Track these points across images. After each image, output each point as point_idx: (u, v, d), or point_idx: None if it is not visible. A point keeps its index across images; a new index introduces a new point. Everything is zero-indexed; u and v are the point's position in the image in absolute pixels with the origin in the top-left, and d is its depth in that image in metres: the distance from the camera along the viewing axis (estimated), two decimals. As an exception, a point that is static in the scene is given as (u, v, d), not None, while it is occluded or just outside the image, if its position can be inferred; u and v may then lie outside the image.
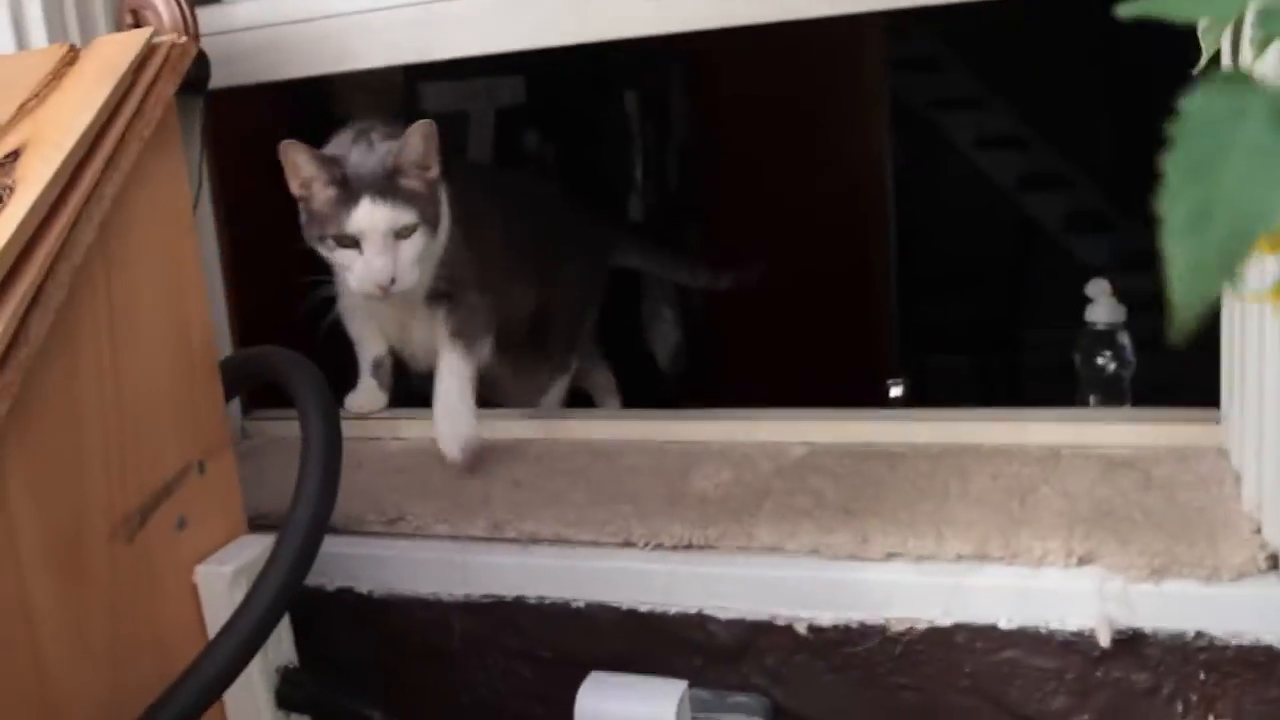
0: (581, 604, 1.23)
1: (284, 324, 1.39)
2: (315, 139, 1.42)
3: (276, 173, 1.38)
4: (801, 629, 1.16)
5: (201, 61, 1.36)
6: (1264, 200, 0.38)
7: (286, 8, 1.45)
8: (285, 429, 1.63)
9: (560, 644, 1.25)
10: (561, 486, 1.35)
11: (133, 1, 1.35)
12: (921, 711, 1.14)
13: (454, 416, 1.46)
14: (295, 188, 1.40)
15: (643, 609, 1.21)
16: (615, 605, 1.22)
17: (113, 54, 1.03)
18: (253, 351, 1.16)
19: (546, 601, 1.25)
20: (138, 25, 1.34)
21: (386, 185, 1.37)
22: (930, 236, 4.50)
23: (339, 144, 1.46)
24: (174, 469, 1.05)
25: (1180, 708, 1.06)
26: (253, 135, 2.01)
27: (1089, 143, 5.03)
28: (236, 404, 1.64)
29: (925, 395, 3.46)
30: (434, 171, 1.41)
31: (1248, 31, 0.64)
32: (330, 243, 1.39)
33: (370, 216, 1.36)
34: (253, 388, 1.32)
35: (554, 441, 1.52)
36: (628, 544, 1.23)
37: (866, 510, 1.19)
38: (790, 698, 1.18)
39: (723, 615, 1.18)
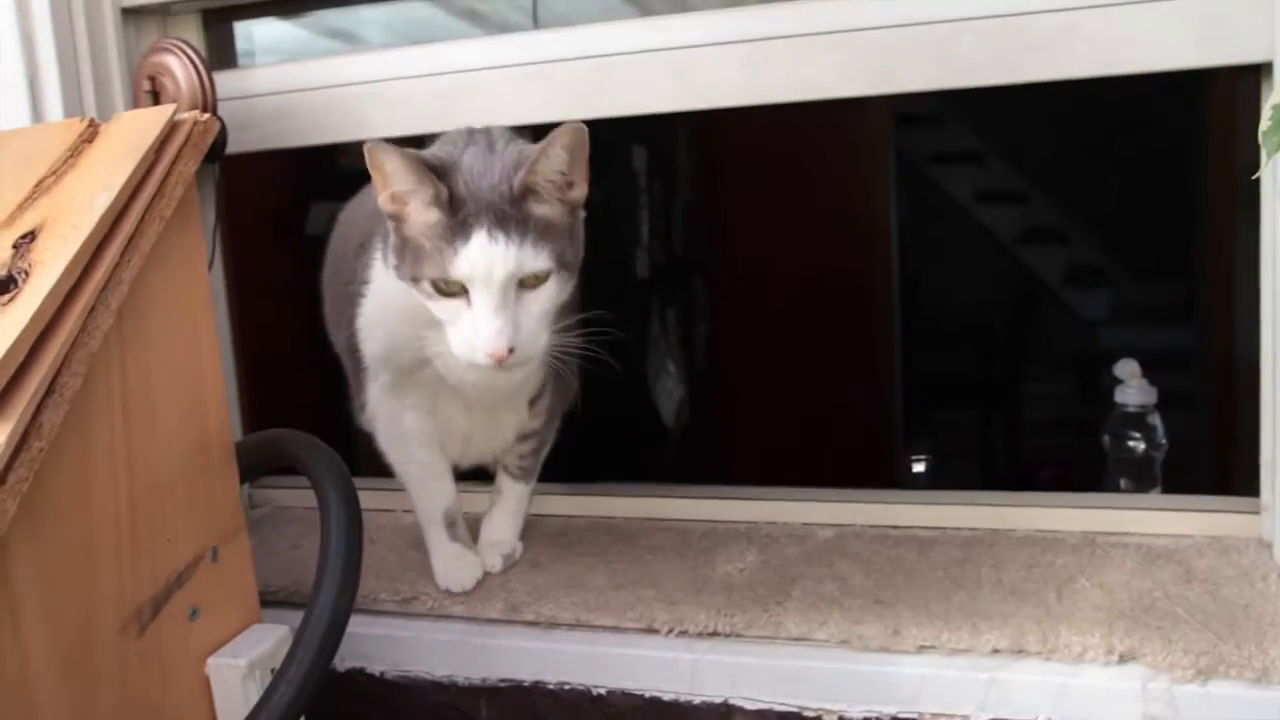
0: (603, 691, 1.20)
1: (293, 398, 1.36)
2: (323, 192, 1.38)
3: (283, 233, 1.35)
4: (832, 722, 1.13)
5: (220, 131, 1.33)
6: None
7: (304, 75, 1.44)
8: (293, 498, 1.60)
9: (581, 733, 1.21)
10: (580, 568, 1.32)
11: (150, 68, 1.32)
12: (956, 811, 1.10)
13: (504, 532, 1.36)
14: (385, 203, 1.04)
15: (666, 698, 1.18)
16: (638, 693, 1.18)
17: (134, 131, 1.00)
18: (269, 435, 1.13)
19: (566, 687, 1.21)
20: (155, 92, 1.33)
21: (512, 212, 1.02)
22: (932, 290, 4.50)
23: (449, 143, 1.10)
24: (187, 558, 1.01)
25: (1227, 815, 1.03)
26: (259, 192, 2.00)
27: (1088, 198, 5.05)
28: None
29: (927, 448, 3.44)
30: (579, 193, 1.06)
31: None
32: (428, 287, 1.04)
33: (486, 257, 1.00)
34: (268, 471, 1.28)
35: (570, 518, 1.49)
36: (651, 630, 1.20)
37: (898, 599, 1.16)
38: (819, 795, 1.14)
39: (750, 706, 1.15)
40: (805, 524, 1.36)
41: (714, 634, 1.18)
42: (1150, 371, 1.68)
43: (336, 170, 2.35)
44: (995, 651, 1.09)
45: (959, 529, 1.32)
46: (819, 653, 1.14)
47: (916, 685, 1.10)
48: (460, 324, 1.03)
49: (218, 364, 1.07)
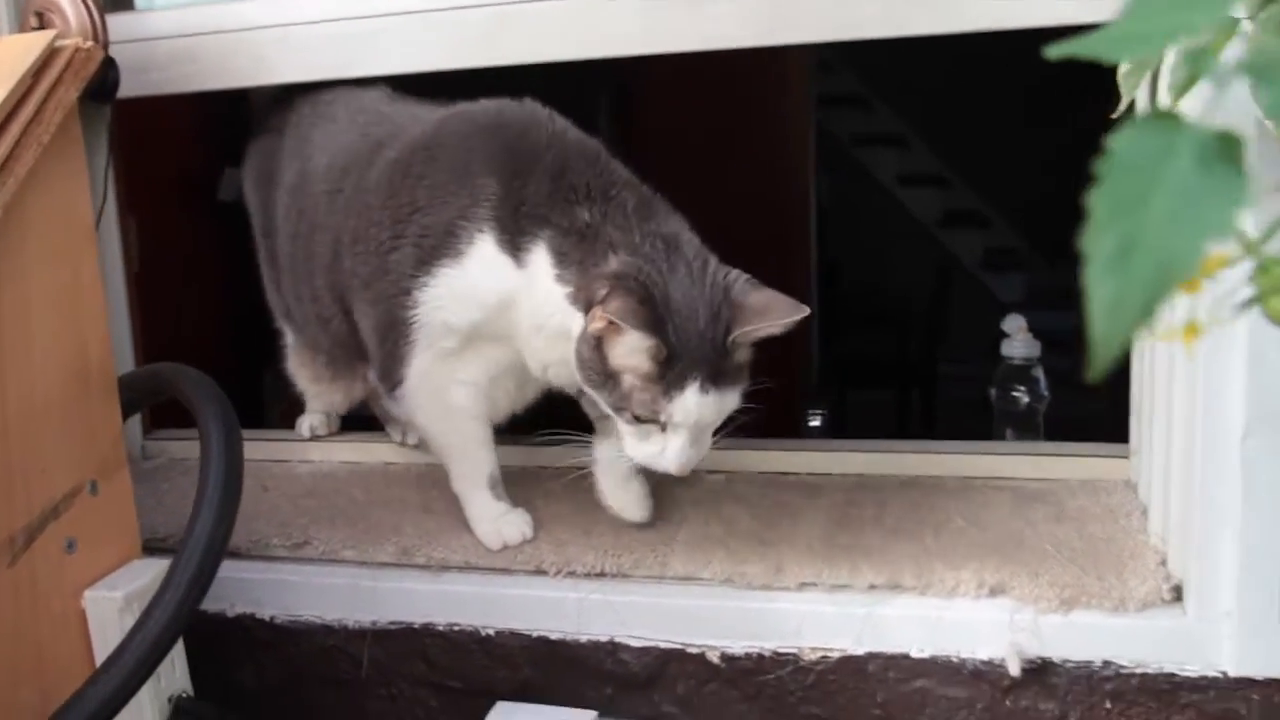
0: (491, 631, 1.21)
1: (194, 341, 1.35)
2: (229, 146, 1.37)
3: (193, 184, 1.34)
4: (714, 658, 1.15)
5: (110, 68, 1.31)
6: (1188, 241, 0.37)
7: (205, 18, 1.42)
8: (188, 449, 1.58)
9: (469, 673, 1.22)
10: (473, 513, 1.32)
11: (39, 3, 1.30)
12: (833, 742, 1.13)
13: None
14: (595, 325, 1.04)
15: (554, 637, 1.19)
16: (526, 633, 1.20)
17: (11, 55, 0.99)
18: (152, 368, 1.12)
19: (455, 629, 1.22)
20: (43, 29, 1.30)
21: (721, 364, 1.04)
22: (852, 271, 4.56)
23: (641, 258, 1.06)
24: (64, 489, 1.00)
25: (1086, 737, 1.07)
26: (164, 142, 1.97)
27: (1008, 182, 5.15)
28: (136, 423, 1.58)
29: (844, 427, 3.49)
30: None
31: (1168, 74, 0.64)
32: (625, 414, 1.07)
33: (697, 410, 1.04)
34: (153, 405, 1.27)
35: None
36: (539, 572, 1.21)
37: (781, 540, 1.19)
38: (701, 728, 1.17)
39: (635, 644, 1.17)
40: (697, 471, 1.38)
41: (601, 575, 1.19)
42: (1061, 351, 1.73)
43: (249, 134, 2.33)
44: (873, 588, 1.12)
45: (846, 474, 1.35)
46: (703, 591, 1.16)
47: (797, 621, 1.13)
48: (649, 442, 1.07)
49: (100, 296, 1.06)
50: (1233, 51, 0.47)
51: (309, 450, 1.56)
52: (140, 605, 0.99)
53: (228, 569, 0.99)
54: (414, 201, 1.19)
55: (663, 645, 1.16)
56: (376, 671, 1.25)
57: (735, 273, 1.07)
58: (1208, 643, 1.03)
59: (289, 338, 1.54)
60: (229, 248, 2.26)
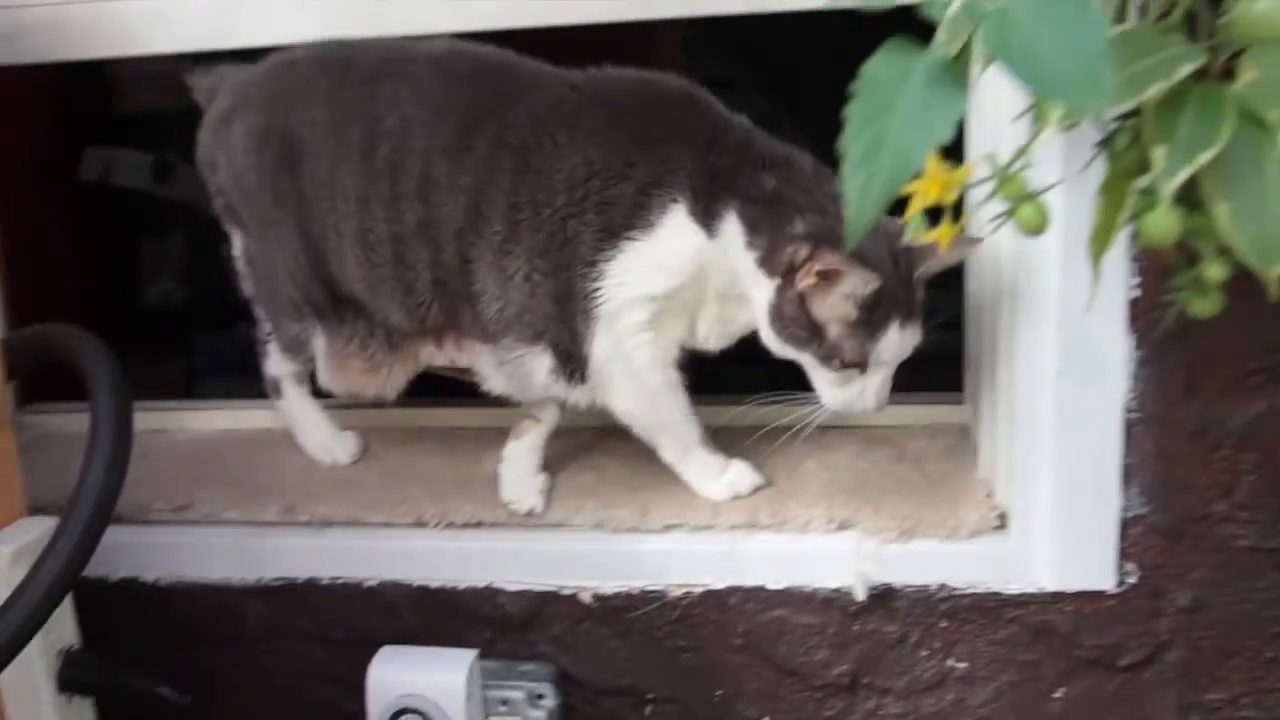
0: (374, 583, 1.26)
1: (62, 304, 1.34)
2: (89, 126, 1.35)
3: (51, 164, 1.33)
4: (586, 598, 1.22)
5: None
6: (919, 142, 0.49)
7: (74, -13, 1.42)
8: (63, 423, 1.58)
9: (353, 623, 1.27)
10: (354, 472, 1.37)
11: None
12: (699, 671, 1.22)
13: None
14: (805, 281, 1.08)
15: (434, 585, 1.25)
16: (407, 583, 1.26)
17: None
18: (39, 328, 1.13)
19: (339, 582, 1.27)
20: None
21: (911, 302, 1.11)
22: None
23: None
24: (-55, 448, 1.02)
25: (925, 653, 1.18)
26: (18, 121, 1.95)
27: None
28: (9, 396, 1.57)
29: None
30: None
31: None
32: (834, 362, 1.12)
33: (899, 348, 1.11)
34: (37, 368, 1.27)
35: (344, 429, 1.52)
36: (419, 524, 1.27)
37: (648, 485, 1.27)
38: (576, 664, 1.24)
39: (512, 588, 1.24)
40: (571, 426, 1.44)
41: (479, 524, 1.26)
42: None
43: (111, 114, 2.32)
44: (733, 527, 1.21)
45: (710, 426, 1.43)
46: (575, 535, 1.24)
47: (663, 560, 1.21)
48: (849, 387, 1.13)
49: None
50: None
51: (186, 419, 1.57)
52: (29, 560, 1.01)
53: (110, 534, 1.00)
54: (589, 163, 1.15)
55: (538, 588, 1.23)
56: (263, 627, 1.29)
57: (899, 221, 1.11)
58: (1028, 564, 1.15)
59: (316, 346, 1.33)
60: (91, 230, 2.25)
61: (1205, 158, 0.60)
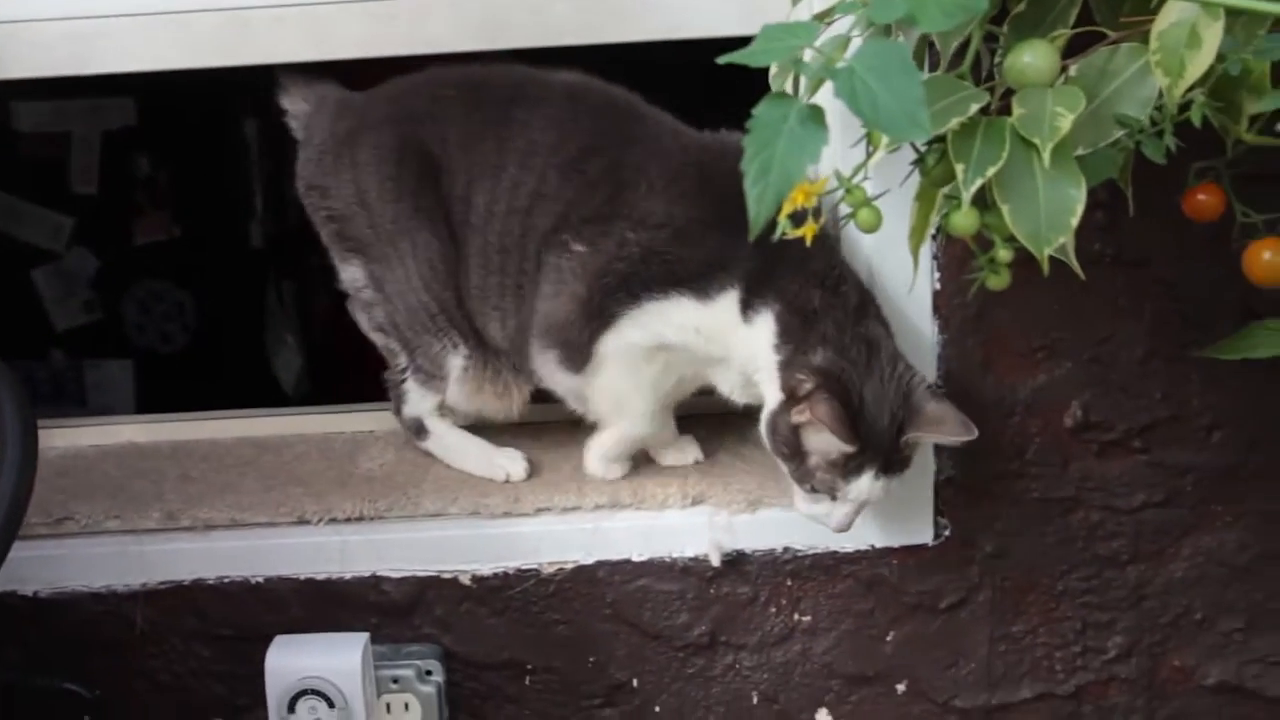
0: (261, 579, 1.33)
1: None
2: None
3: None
4: (466, 580, 1.32)
5: None
6: (796, 164, 0.68)
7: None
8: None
9: (241, 620, 1.33)
10: (233, 477, 1.42)
11: None
12: (573, 640, 1.34)
13: None
14: (799, 417, 1.15)
15: (320, 577, 1.33)
16: (294, 576, 1.33)
17: None
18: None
19: (226, 580, 1.33)
20: None
21: (895, 456, 1.16)
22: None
23: (847, 360, 1.16)
24: None
25: (774, 610, 1.33)
26: None
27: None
28: None
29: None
30: None
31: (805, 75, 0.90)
32: (805, 485, 1.19)
33: (869, 493, 1.17)
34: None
35: (216, 441, 1.56)
36: (302, 521, 1.34)
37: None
38: (459, 643, 1.34)
39: (395, 575, 1.33)
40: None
41: (360, 518, 1.33)
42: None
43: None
44: (598, 507, 1.33)
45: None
46: (452, 523, 1.33)
47: (536, 541, 1.32)
48: (818, 505, 1.19)
49: None
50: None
51: (52, 437, 1.58)
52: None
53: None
54: (671, 218, 1.23)
55: (420, 574, 1.33)
56: (151, 631, 1.34)
57: (919, 377, 1.19)
58: (860, 524, 1.30)
59: (455, 365, 1.35)
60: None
61: (992, 171, 0.83)
